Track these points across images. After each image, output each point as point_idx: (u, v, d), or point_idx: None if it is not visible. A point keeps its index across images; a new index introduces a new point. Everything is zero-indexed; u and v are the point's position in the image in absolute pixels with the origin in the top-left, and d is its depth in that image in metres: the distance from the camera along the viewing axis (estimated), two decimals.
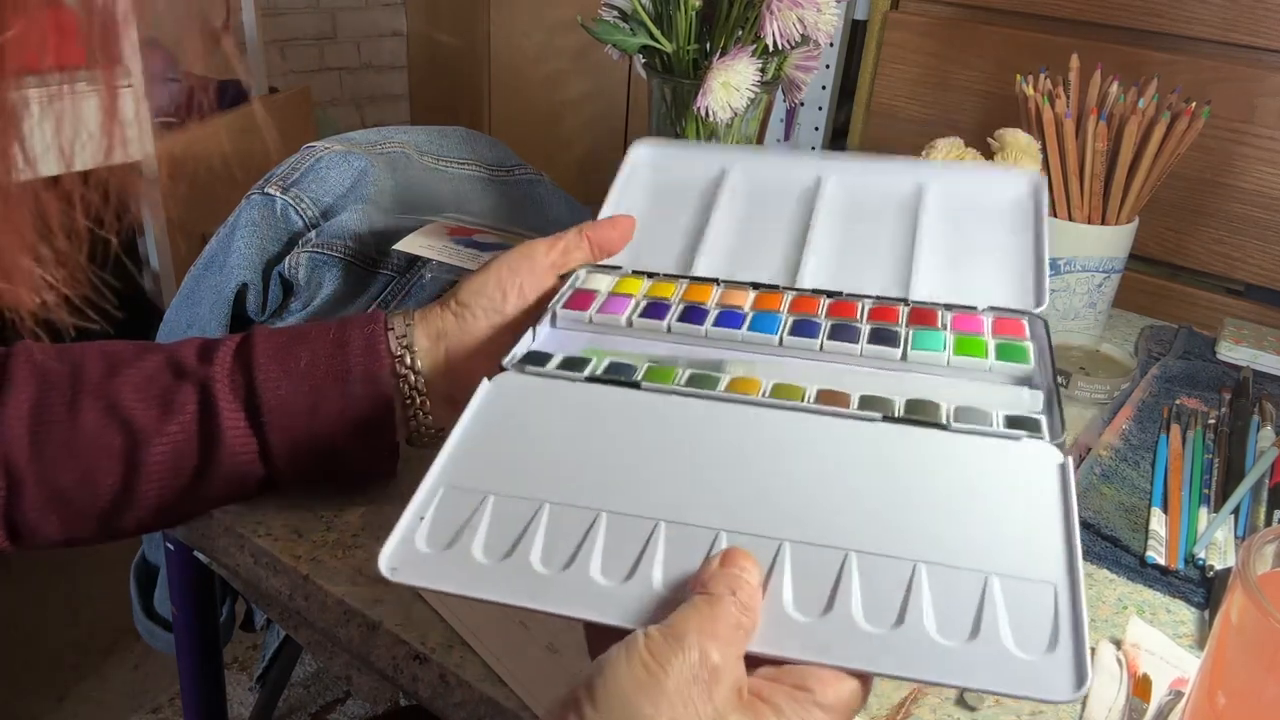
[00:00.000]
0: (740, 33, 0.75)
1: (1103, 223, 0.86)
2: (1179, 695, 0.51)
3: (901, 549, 0.40)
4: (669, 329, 0.56)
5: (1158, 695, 0.51)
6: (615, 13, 0.77)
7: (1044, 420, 0.46)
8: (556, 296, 0.58)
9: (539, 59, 2.03)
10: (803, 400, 0.49)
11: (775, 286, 0.58)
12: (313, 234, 0.80)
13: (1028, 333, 0.53)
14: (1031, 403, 0.49)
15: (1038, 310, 0.54)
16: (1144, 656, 0.53)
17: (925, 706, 0.49)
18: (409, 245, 0.76)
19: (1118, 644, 0.54)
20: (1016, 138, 0.79)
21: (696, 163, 0.67)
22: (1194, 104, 0.81)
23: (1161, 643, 0.55)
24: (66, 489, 0.52)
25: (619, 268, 0.61)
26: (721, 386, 0.51)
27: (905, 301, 0.56)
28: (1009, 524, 0.41)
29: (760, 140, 1.02)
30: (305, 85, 2.07)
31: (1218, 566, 0.60)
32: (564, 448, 0.47)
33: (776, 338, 0.54)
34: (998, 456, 0.45)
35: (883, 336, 0.54)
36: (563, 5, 1.93)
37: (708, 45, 0.77)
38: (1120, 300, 0.94)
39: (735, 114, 0.75)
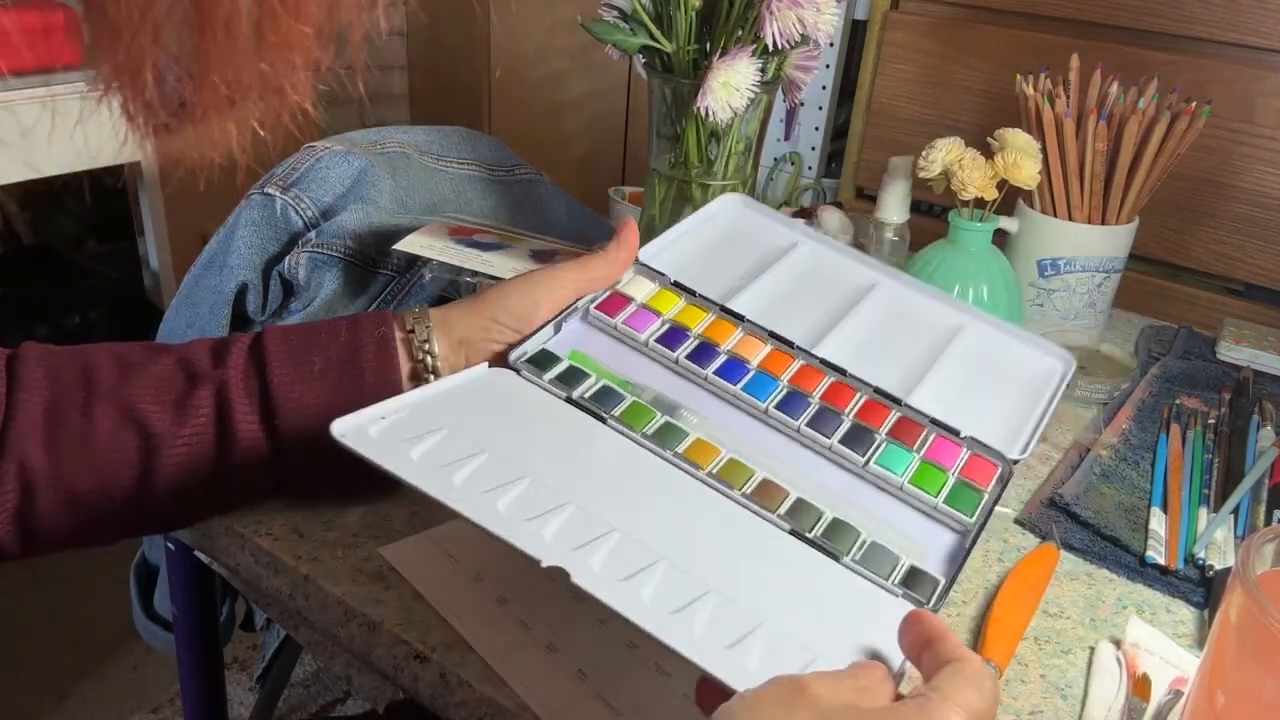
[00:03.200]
0: (740, 33, 0.75)
1: (1103, 222, 0.86)
2: (1178, 695, 0.51)
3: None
4: (677, 362, 0.59)
5: (1157, 695, 0.51)
6: (615, 13, 0.77)
7: (939, 584, 0.49)
8: (592, 295, 0.62)
9: (539, 59, 2.03)
10: (742, 485, 0.52)
11: (791, 345, 0.61)
12: (313, 234, 0.80)
13: (993, 480, 0.55)
14: (944, 557, 0.52)
15: (1014, 456, 0.56)
16: (1143, 656, 0.53)
17: None
18: (409, 245, 0.76)
19: (1117, 643, 0.54)
20: (1016, 138, 0.79)
21: (775, 228, 0.71)
22: (1194, 104, 0.81)
23: (1161, 642, 0.55)
24: (82, 493, 0.52)
25: (663, 274, 0.64)
26: (683, 444, 0.54)
27: (899, 404, 0.58)
28: (840, 658, 0.43)
29: (760, 140, 1.01)
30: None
31: (1217, 566, 0.60)
32: (519, 436, 0.52)
33: (764, 406, 0.57)
34: (869, 601, 0.48)
35: (856, 438, 0.56)
36: (563, 5, 1.93)
37: (708, 45, 0.77)
38: (1120, 300, 0.94)
39: (735, 114, 0.75)
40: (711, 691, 0.38)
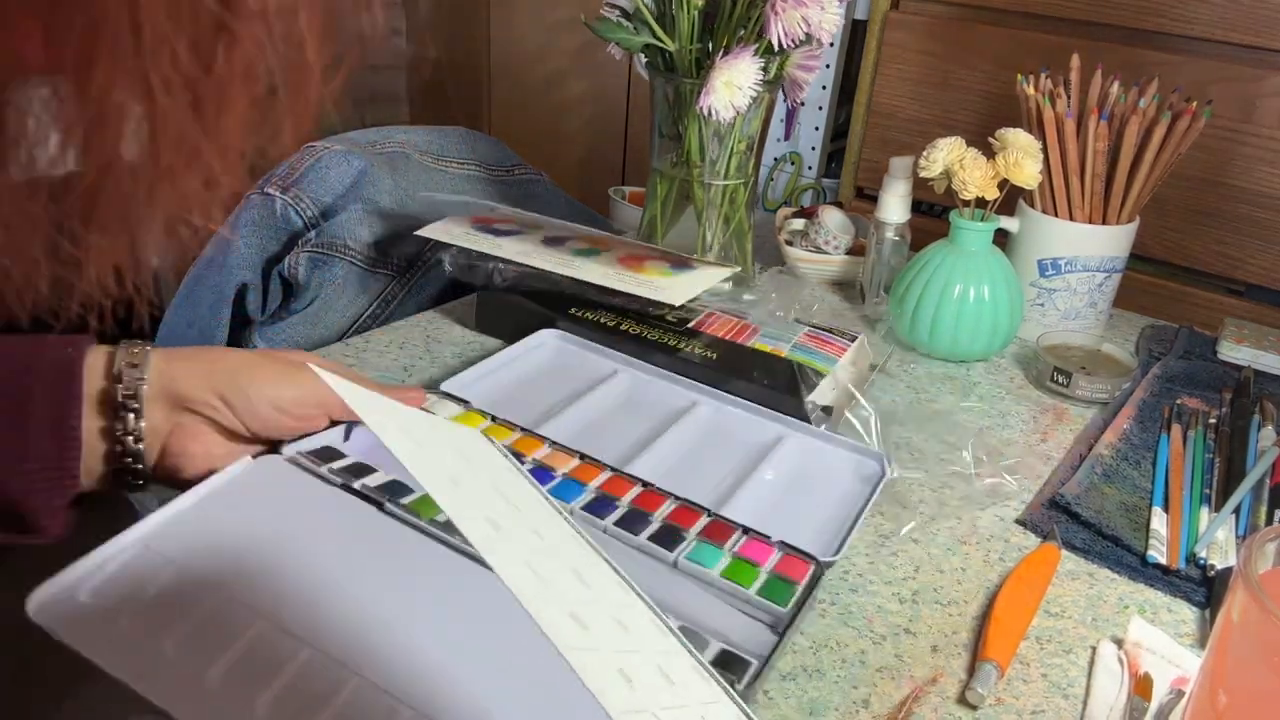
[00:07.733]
0: (743, 32, 0.75)
1: (1103, 222, 0.86)
2: (1180, 694, 0.51)
3: None
4: None
5: (1159, 694, 0.51)
6: (618, 12, 0.77)
7: (750, 668, 0.47)
8: None
9: (539, 59, 2.03)
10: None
11: (597, 461, 0.60)
12: (312, 234, 0.80)
13: (806, 575, 0.53)
14: (758, 644, 0.49)
15: (826, 559, 0.54)
16: (1145, 656, 0.53)
17: (927, 705, 0.49)
18: (433, 231, 0.77)
19: (1119, 643, 0.54)
20: (1017, 137, 0.79)
21: (592, 358, 0.73)
22: (1194, 104, 0.81)
23: (1163, 642, 0.55)
24: None
25: (467, 401, 0.64)
26: None
27: (709, 513, 0.57)
28: None
29: (761, 141, 1.01)
30: None
31: (1219, 566, 0.60)
32: (273, 551, 0.47)
33: (571, 507, 0.56)
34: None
35: (666, 537, 0.55)
36: (563, 5, 1.93)
37: (710, 44, 0.77)
38: (1121, 300, 0.94)
39: (738, 113, 0.75)
40: None
